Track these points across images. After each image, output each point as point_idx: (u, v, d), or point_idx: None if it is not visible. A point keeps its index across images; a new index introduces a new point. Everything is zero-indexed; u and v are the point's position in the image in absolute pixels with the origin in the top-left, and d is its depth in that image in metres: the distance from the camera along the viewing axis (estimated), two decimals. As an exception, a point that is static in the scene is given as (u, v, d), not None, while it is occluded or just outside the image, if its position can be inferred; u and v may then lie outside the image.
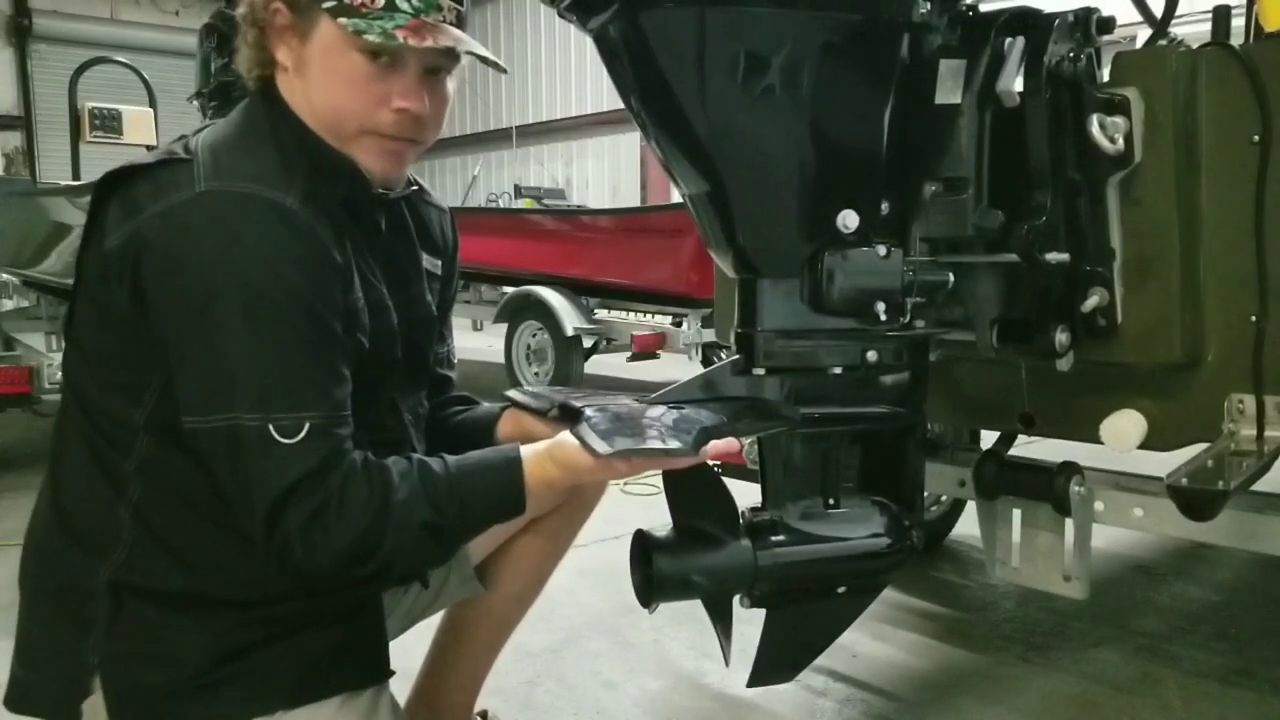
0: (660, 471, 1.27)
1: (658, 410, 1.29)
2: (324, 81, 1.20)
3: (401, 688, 1.62)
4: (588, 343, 5.98)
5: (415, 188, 1.43)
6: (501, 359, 6.36)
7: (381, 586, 1.33)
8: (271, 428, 1.08)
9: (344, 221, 1.22)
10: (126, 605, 1.18)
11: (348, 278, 1.19)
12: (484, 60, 1.26)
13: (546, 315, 5.95)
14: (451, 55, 1.23)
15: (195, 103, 4.88)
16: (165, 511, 1.19)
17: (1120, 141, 1.50)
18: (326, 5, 1.15)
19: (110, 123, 5.73)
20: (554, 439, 1.21)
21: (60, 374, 1.31)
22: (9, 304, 5.36)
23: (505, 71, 1.32)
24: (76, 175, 5.85)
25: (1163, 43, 1.70)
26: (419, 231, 1.43)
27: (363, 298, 1.22)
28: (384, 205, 1.33)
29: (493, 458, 1.22)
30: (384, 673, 1.32)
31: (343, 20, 1.14)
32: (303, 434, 1.09)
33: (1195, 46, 1.58)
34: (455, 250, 1.53)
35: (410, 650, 1.63)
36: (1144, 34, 2.00)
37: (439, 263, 1.47)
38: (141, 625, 1.18)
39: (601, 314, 6.21)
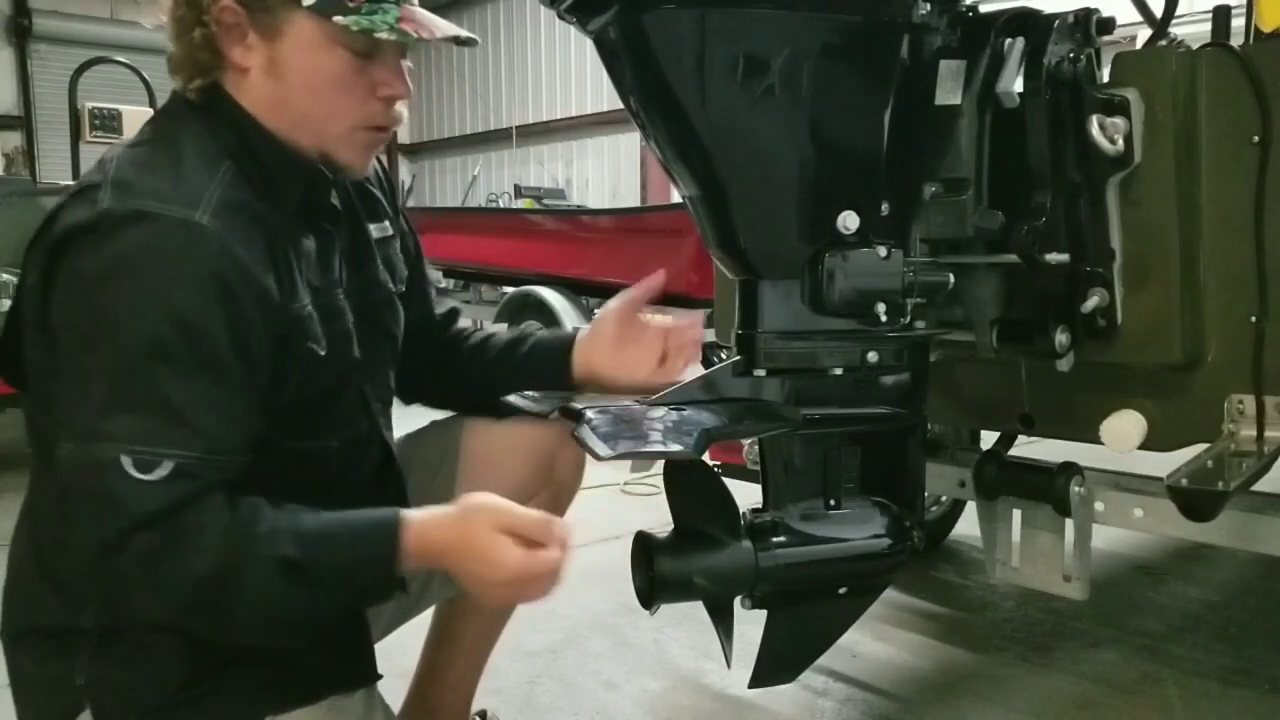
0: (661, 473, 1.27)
1: (659, 412, 1.29)
2: (308, 82, 1.17)
3: (400, 688, 1.63)
4: (587, 343, 5.98)
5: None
6: (501, 359, 6.35)
7: (221, 637, 1.14)
8: (126, 460, 1.01)
9: (286, 225, 1.18)
10: (110, 634, 1.17)
11: (273, 295, 1.13)
12: (458, 41, 1.25)
13: (546, 315, 5.95)
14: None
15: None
16: None
17: (1120, 142, 1.50)
18: (307, 3, 1.13)
19: (110, 123, 5.72)
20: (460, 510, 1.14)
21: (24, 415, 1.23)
22: (9, 304, 5.36)
23: (476, 42, 1.28)
24: (76, 175, 5.84)
25: (1163, 43, 1.70)
26: (361, 201, 1.40)
27: (309, 304, 1.19)
28: (335, 189, 1.31)
29: (376, 514, 1.15)
30: (371, 675, 1.31)
31: (338, 19, 1.12)
32: (161, 472, 1.02)
33: (1195, 47, 1.58)
34: (394, 195, 1.49)
35: (409, 649, 1.64)
36: (1144, 34, 2.00)
37: (385, 224, 1.44)
38: (126, 647, 1.17)
39: (601, 314, 6.21)
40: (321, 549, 1.09)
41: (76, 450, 1.05)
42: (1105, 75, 1.56)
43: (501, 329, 1.57)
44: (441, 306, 1.61)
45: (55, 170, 10.32)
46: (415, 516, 1.13)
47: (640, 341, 1.48)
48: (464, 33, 1.23)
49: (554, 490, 1.56)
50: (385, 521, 1.13)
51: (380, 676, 1.33)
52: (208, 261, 1.07)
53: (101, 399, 1.04)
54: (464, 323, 1.62)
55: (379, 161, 1.51)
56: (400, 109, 1.24)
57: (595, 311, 6.14)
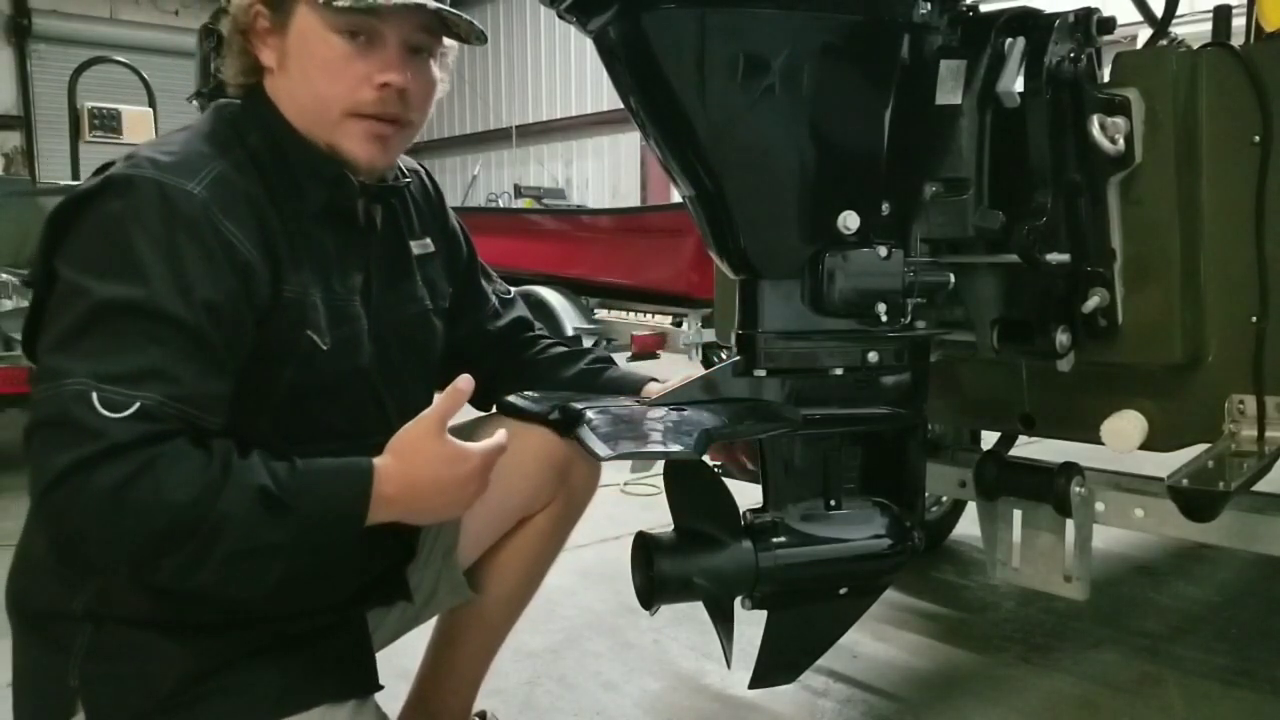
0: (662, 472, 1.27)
1: (659, 412, 1.29)
2: (304, 69, 1.20)
3: (402, 689, 1.62)
4: (588, 343, 5.98)
5: (409, 180, 1.42)
6: (501, 359, 6.34)
7: (183, 581, 1.06)
8: (94, 395, 1.00)
9: (299, 222, 1.20)
10: (104, 629, 1.17)
11: (257, 269, 1.14)
12: (459, 36, 1.25)
13: (546, 315, 5.94)
14: (431, 31, 1.23)
15: (195, 103, 4.88)
16: None
17: (1121, 142, 1.49)
18: None
19: (110, 122, 5.72)
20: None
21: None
22: (9, 304, 5.35)
23: (485, 40, 1.27)
24: (76, 175, 5.84)
25: (1163, 43, 1.70)
26: (404, 216, 1.41)
27: (318, 299, 1.20)
28: (377, 200, 1.31)
29: (347, 459, 1.14)
30: (369, 685, 1.30)
31: (336, 2, 1.15)
32: (128, 411, 1.00)
33: (1195, 47, 1.58)
34: (441, 209, 1.50)
35: (411, 651, 1.63)
36: (1144, 34, 2.00)
37: (428, 241, 1.45)
38: (120, 648, 1.17)
39: (601, 314, 6.21)
40: (298, 482, 1.07)
41: (44, 388, 1.03)
42: (1106, 75, 1.56)
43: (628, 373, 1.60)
44: (505, 317, 1.60)
45: (55, 170, 10.32)
46: (381, 460, 1.12)
47: None
48: (450, 10, 1.21)
49: (568, 498, 1.55)
50: (359, 461, 1.12)
51: (381, 687, 1.32)
52: (188, 223, 1.09)
53: (73, 348, 1.04)
54: (534, 329, 1.64)
55: (427, 175, 1.52)
56: (408, 103, 1.23)
57: (595, 311, 6.14)
